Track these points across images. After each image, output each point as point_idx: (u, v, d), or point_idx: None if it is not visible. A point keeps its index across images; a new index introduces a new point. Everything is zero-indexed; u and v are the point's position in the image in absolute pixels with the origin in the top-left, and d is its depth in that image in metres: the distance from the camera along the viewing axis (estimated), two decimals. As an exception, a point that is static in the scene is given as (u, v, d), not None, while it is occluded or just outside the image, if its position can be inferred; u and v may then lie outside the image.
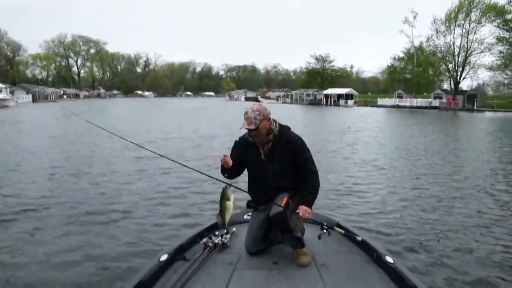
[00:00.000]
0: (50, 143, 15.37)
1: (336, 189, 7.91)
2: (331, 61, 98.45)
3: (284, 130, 3.16)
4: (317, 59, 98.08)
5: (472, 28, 63.72)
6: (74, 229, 5.62)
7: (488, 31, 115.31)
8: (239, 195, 3.31)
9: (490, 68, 65.32)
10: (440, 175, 9.64)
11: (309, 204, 3.06)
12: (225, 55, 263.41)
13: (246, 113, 3.04)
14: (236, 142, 3.31)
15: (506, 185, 8.58)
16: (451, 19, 64.67)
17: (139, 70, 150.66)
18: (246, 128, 3.03)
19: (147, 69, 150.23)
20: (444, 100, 58.52)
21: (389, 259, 2.81)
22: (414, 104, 59.70)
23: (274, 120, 3.17)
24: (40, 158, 11.52)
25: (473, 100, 54.76)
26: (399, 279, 2.59)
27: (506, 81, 73.13)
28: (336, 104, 69.52)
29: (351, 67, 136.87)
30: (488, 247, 5.01)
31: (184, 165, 3.73)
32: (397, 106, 60.45)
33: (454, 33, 66.19)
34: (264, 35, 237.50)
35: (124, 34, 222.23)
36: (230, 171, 3.17)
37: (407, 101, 61.37)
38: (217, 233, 3.33)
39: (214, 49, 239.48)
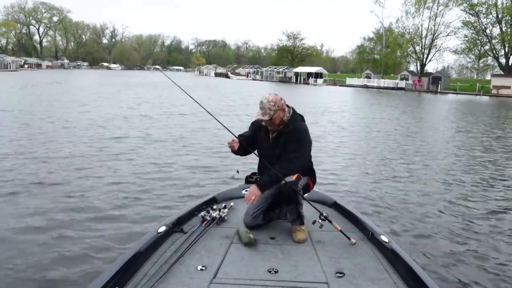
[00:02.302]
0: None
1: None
2: (302, 39, 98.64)
3: (294, 119, 3.15)
4: (288, 36, 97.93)
5: (440, 11, 65.18)
6: (71, 195, 5.63)
7: (455, 15, 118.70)
8: (240, 167, 3.41)
9: (455, 52, 67.47)
10: (405, 149, 10.05)
11: (260, 186, 3.03)
12: (195, 29, 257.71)
13: (261, 102, 3.06)
14: (252, 122, 3.41)
15: (455, 158, 9.10)
16: (420, 1, 65.69)
17: (105, 41, 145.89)
18: (260, 119, 3.09)
19: (113, 40, 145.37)
20: (410, 81, 59.90)
21: (384, 238, 2.86)
22: (382, 85, 60.83)
23: (289, 108, 3.18)
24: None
25: (437, 82, 56.39)
26: (393, 257, 2.65)
27: (469, 65, 75.69)
28: (306, 82, 69.90)
29: (322, 45, 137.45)
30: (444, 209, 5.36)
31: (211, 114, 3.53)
32: (365, 86, 61.42)
33: (423, 15, 67.56)
34: (236, 10, 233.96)
35: (89, 2, 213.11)
36: (239, 152, 3.28)
37: (374, 82, 62.43)
38: (215, 207, 3.37)
39: (184, 23, 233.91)
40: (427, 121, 19.19)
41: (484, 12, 60.98)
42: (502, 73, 59.13)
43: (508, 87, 51.23)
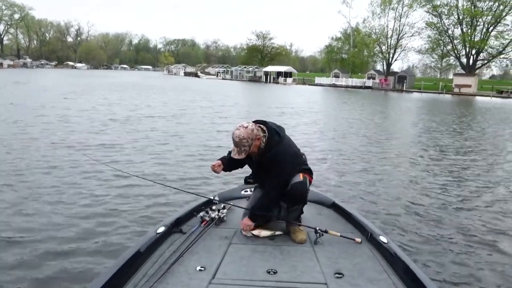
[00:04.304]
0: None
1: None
2: (271, 38, 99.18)
3: (270, 145, 2.96)
4: (257, 35, 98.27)
5: (405, 12, 67.03)
6: (68, 199, 5.44)
7: (418, 16, 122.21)
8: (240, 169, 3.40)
9: (419, 52, 69.71)
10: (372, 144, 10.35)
11: (251, 217, 3.04)
12: (163, 27, 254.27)
13: (233, 140, 2.90)
14: None
15: (419, 148, 9.47)
16: (386, 2, 67.36)
17: (70, 39, 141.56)
18: (237, 157, 2.96)
19: (79, 39, 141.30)
20: (377, 80, 61.32)
21: (383, 238, 2.86)
22: (350, 84, 61.91)
23: (264, 132, 2.98)
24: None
25: (403, 81, 58.02)
26: (392, 258, 2.66)
27: (433, 64, 78.31)
28: (276, 81, 70.30)
29: (291, 45, 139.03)
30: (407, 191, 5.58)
31: None
32: (334, 85, 62.37)
33: (388, 16, 69.42)
34: (205, 9, 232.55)
35: (52, 0, 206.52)
36: (228, 169, 3.25)
37: (343, 81, 63.49)
38: (214, 207, 3.35)
39: (151, 21, 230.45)
40: (395, 118, 19.75)
41: (446, 13, 63.24)
42: (463, 72, 61.44)
43: (469, 86, 53.35)
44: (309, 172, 3.14)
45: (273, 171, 2.97)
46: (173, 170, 7.23)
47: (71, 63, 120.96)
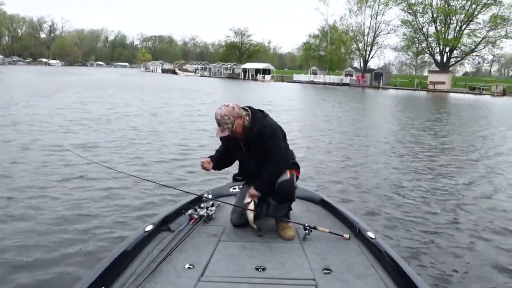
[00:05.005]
0: None
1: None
2: (249, 35, 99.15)
3: (255, 122, 3.00)
4: (235, 32, 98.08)
5: (381, 10, 68.12)
6: (56, 196, 5.37)
7: (394, 14, 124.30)
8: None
9: (395, 49, 71.01)
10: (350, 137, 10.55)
11: (257, 187, 3.04)
12: (140, 24, 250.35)
13: (216, 119, 2.94)
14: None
15: (396, 143, 9.72)
16: (362, 0, 68.24)
17: (43, 35, 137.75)
18: (220, 135, 2.98)
19: (52, 35, 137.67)
20: (354, 77, 62.06)
21: (370, 234, 2.89)
22: (327, 81, 62.45)
23: (247, 111, 3.04)
24: None
25: (379, 78, 58.95)
26: (379, 254, 2.69)
27: (408, 62, 79.85)
28: (254, 78, 70.28)
29: (269, 42, 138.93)
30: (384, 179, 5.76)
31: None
32: (312, 82, 62.82)
33: (365, 13, 70.33)
34: (182, 5, 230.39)
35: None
36: (217, 168, 3.26)
37: (320, 78, 64.01)
38: (202, 205, 3.33)
39: (128, 18, 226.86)
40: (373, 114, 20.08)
41: (421, 11, 64.55)
42: (437, 69, 62.85)
43: (443, 83, 54.60)
44: (296, 167, 3.18)
45: (267, 147, 2.98)
46: (160, 169, 7.15)
47: (44, 59, 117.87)
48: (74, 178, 6.32)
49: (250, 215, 3.00)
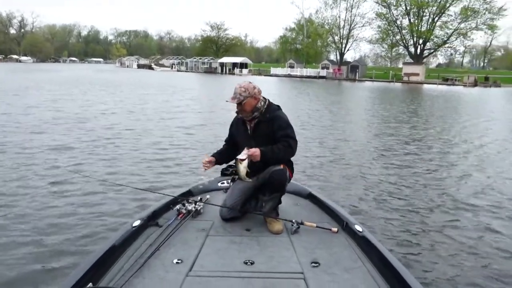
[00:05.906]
0: None
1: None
2: (226, 29, 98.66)
3: (271, 109, 3.21)
4: (212, 26, 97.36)
5: (356, 3, 68.82)
6: (43, 192, 5.33)
7: (369, 7, 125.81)
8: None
9: (370, 41, 71.96)
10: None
11: (262, 153, 3.03)
12: (114, 19, 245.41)
13: (235, 88, 3.16)
14: (232, 121, 3.47)
15: (376, 131, 9.88)
16: (337, -7, 68.77)
17: (13, 31, 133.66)
18: (229, 101, 3.14)
19: (23, 30, 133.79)
20: (331, 70, 62.59)
21: (358, 227, 2.92)
22: (304, 74, 62.79)
23: (265, 99, 3.24)
24: None
25: (355, 70, 59.65)
26: (366, 247, 2.73)
27: (383, 54, 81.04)
28: (231, 72, 70.01)
29: (246, 36, 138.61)
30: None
31: None
32: (289, 76, 63.01)
33: (340, 6, 70.98)
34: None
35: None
36: (222, 162, 3.48)
37: (298, 71, 64.28)
38: (190, 200, 3.32)
39: (101, 12, 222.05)
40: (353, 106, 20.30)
41: (394, 4, 65.51)
42: (412, 61, 64.01)
43: (417, 74, 55.71)
44: (291, 167, 3.27)
45: (281, 132, 3.10)
46: (146, 168, 6.97)
47: (15, 56, 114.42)
48: (47, 183, 5.88)
49: (243, 172, 3.02)
